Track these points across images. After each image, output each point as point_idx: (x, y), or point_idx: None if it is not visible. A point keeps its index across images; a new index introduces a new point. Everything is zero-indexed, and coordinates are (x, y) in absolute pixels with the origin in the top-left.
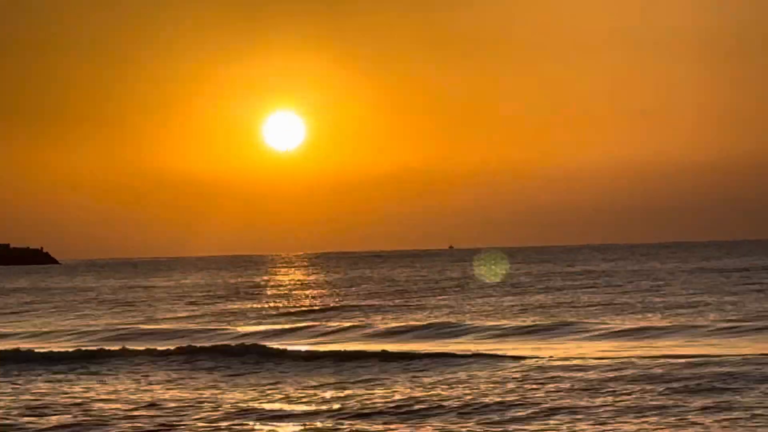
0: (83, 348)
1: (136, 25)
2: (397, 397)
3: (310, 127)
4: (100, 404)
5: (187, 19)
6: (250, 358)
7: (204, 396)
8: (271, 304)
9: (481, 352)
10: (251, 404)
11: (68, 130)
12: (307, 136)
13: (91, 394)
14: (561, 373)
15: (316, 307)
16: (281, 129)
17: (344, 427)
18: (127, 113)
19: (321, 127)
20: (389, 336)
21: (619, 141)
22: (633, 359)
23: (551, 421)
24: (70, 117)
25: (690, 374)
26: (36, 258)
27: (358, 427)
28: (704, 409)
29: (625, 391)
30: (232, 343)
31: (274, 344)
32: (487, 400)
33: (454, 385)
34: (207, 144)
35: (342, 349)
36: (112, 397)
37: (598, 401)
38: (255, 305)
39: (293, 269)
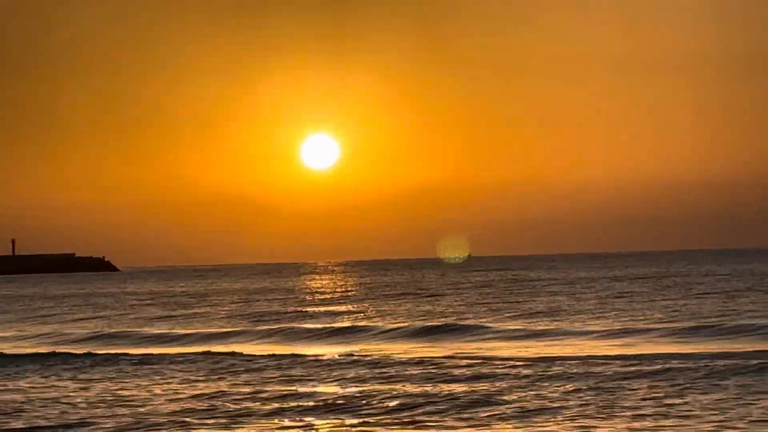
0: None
1: (193, 50)
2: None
3: (343, 147)
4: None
5: (234, 46)
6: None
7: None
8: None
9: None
10: None
11: (129, 150)
12: (341, 155)
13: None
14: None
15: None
16: (317, 150)
17: None
18: (182, 134)
19: (353, 147)
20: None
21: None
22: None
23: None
24: (128, 137)
25: (532, 372)
26: (99, 266)
27: None
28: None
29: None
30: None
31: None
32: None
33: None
34: (251, 163)
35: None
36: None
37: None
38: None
39: (320, 275)
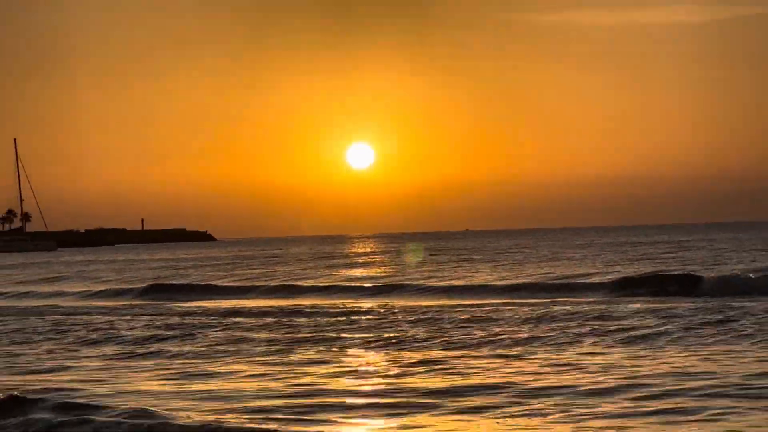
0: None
1: (274, 69)
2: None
3: (377, 153)
4: None
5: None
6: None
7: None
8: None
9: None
10: None
11: (225, 150)
12: (375, 159)
13: None
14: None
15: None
16: (358, 155)
17: None
18: (263, 139)
19: (384, 153)
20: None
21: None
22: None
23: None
24: (222, 139)
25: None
26: (202, 237)
27: None
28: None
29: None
30: None
31: None
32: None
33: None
34: (310, 164)
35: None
36: None
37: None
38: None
39: (359, 242)
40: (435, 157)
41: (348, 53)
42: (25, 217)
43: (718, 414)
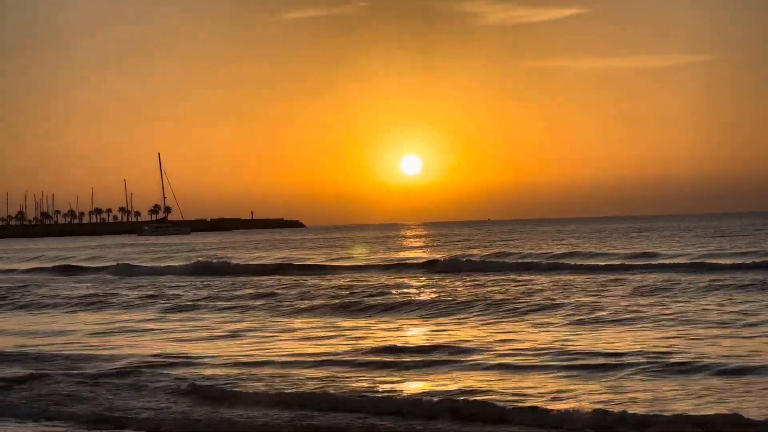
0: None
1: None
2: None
3: (424, 163)
4: None
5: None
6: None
7: None
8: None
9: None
10: None
11: (315, 154)
12: (422, 168)
13: None
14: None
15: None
16: (409, 164)
17: None
18: (334, 148)
19: (432, 160)
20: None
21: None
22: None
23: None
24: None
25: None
26: (295, 225)
27: None
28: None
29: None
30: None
31: None
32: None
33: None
34: (372, 171)
35: None
36: None
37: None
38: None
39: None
40: (469, 164)
41: (403, 77)
42: (167, 209)
43: None
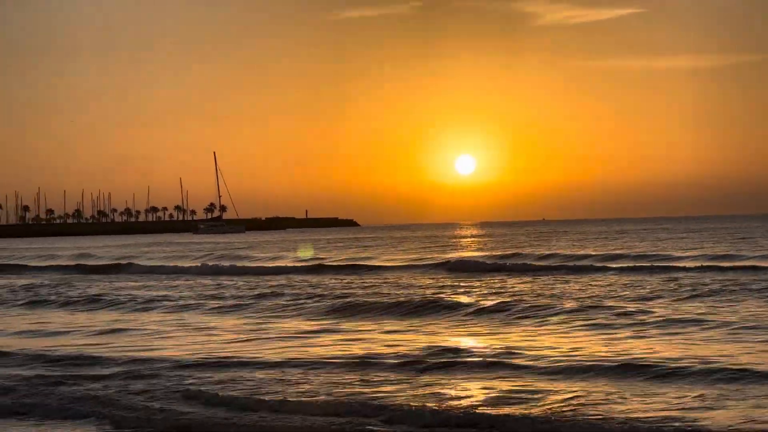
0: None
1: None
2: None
3: (478, 162)
4: None
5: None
6: None
7: None
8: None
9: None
10: None
11: (368, 155)
12: (476, 168)
13: None
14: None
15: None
16: (464, 164)
17: None
18: (387, 149)
19: (487, 159)
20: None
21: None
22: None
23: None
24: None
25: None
26: (349, 224)
27: None
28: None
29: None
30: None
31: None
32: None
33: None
34: (428, 172)
35: None
36: None
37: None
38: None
39: (466, 228)
40: (524, 164)
41: (453, 75)
42: (222, 208)
43: None
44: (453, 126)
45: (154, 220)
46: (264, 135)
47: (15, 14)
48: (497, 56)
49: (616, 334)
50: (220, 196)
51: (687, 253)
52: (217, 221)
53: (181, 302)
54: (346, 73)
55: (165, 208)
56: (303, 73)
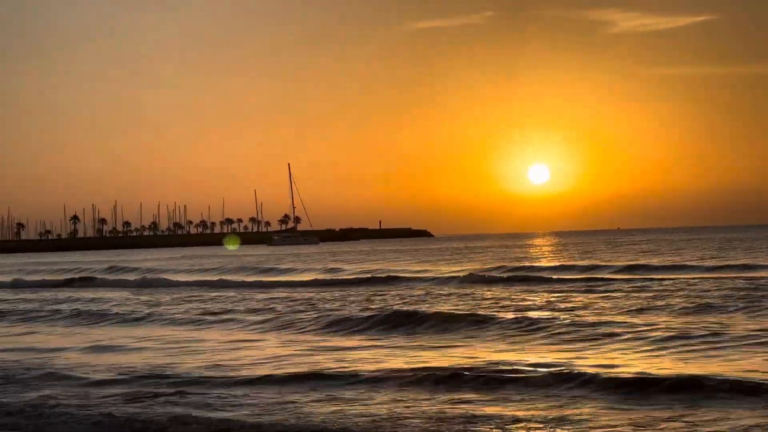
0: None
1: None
2: None
3: (552, 172)
4: None
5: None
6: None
7: None
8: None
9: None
10: None
11: (440, 165)
12: (550, 177)
13: None
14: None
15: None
16: (537, 174)
17: None
18: (461, 160)
19: (558, 172)
20: None
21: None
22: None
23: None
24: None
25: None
26: (423, 234)
27: None
28: None
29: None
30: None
31: None
32: None
33: None
34: (498, 180)
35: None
36: None
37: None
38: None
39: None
40: (598, 173)
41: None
42: (296, 219)
43: None
44: (526, 135)
45: (229, 231)
46: (338, 146)
47: (97, 26)
48: (571, 64)
49: None
50: (294, 208)
51: None
52: (291, 232)
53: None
54: (420, 83)
55: (240, 220)
56: (376, 84)
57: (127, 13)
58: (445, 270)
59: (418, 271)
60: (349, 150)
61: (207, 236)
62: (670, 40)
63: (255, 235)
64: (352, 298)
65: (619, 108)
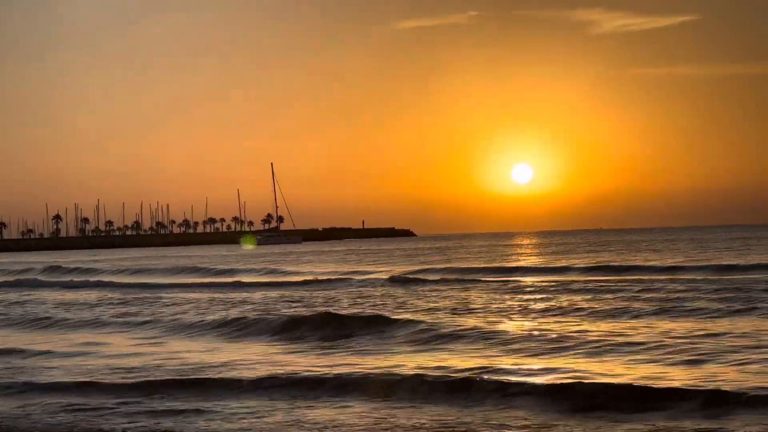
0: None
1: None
2: None
3: (535, 171)
4: None
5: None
6: None
7: None
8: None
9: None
10: None
11: (426, 165)
12: (533, 176)
13: None
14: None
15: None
16: (520, 173)
17: None
18: (443, 159)
19: (542, 170)
20: None
21: None
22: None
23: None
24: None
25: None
26: (406, 234)
27: None
28: None
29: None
30: None
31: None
32: None
33: None
34: (483, 178)
35: None
36: None
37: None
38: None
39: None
40: (582, 173)
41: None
42: (279, 219)
43: None
44: (509, 135)
45: (212, 231)
46: (321, 146)
47: (103, 27)
48: (555, 64)
49: None
50: (277, 207)
51: None
52: (273, 232)
53: None
54: (402, 83)
55: (223, 220)
56: (358, 84)
57: (123, 15)
58: (381, 270)
59: (348, 273)
60: (332, 150)
61: (189, 236)
62: (653, 40)
63: (237, 235)
64: (242, 301)
65: (603, 108)
